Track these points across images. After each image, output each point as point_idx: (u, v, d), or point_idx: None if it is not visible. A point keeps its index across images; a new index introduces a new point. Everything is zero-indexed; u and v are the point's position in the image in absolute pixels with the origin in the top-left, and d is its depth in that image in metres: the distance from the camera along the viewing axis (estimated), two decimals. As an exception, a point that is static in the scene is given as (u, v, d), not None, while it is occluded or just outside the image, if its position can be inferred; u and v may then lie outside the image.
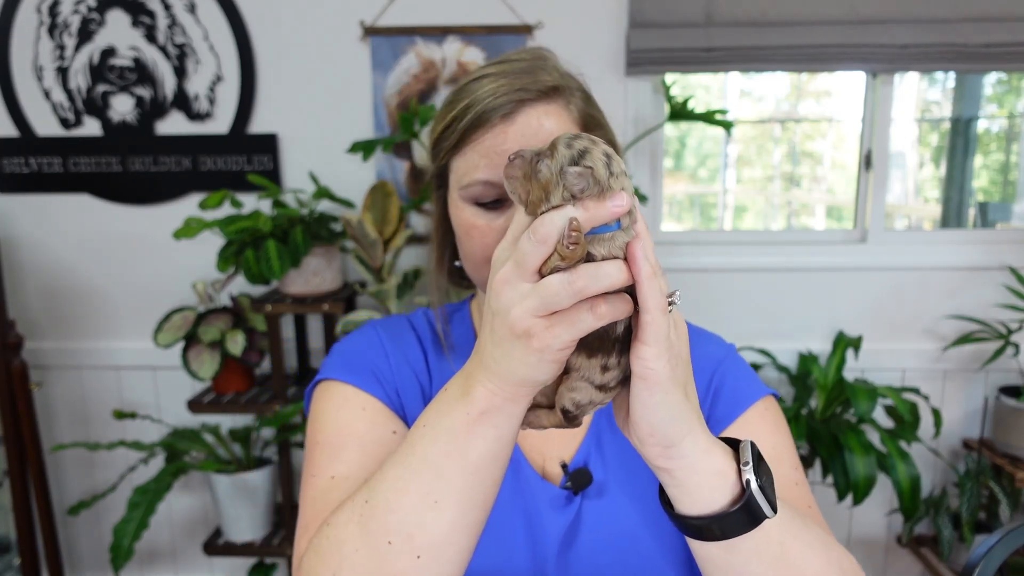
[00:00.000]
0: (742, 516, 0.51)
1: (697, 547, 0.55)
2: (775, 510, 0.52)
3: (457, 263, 0.83)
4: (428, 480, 0.53)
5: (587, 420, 0.78)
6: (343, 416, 0.73)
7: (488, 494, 0.55)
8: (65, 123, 2.05)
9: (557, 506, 0.73)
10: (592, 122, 0.75)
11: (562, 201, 0.44)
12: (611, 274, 0.44)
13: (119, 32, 1.99)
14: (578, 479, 0.74)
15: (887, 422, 2.09)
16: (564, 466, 0.75)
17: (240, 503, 1.95)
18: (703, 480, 0.52)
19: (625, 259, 0.45)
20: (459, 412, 0.52)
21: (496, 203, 0.73)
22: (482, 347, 0.51)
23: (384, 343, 0.82)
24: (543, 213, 0.45)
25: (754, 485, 0.51)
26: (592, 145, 0.45)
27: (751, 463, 0.52)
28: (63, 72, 2.02)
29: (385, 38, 1.98)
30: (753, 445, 0.54)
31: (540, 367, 0.47)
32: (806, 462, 1.96)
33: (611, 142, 0.77)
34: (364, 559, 0.53)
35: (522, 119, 0.71)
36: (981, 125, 2.73)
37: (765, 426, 0.76)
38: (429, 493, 0.52)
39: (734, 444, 0.55)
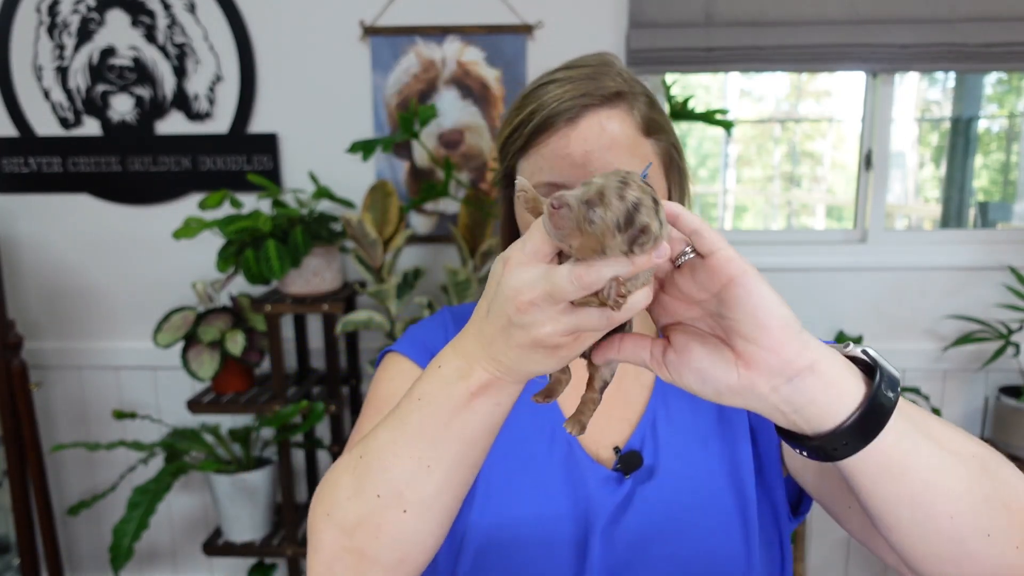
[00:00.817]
0: (877, 404, 0.48)
1: (853, 468, 0.51)
2: (897, 397, 0.50)
3: None
4: (422, 448, 0.55)
5: (642, 407, 0.81)
6: (395, 385, 0.79)
7: (479, 457, 0.57)
8: (65, 123, 2.05)
9: (608, 486, 0.76)
10: (655, 126, 0.77)
11: (616, 255, 0.45)
12: (641, 302, 0.48)
13: (119, 32, 1.98)
14: (628, 461, 0.77)
15: (887, 422, 2.09)
16: (617, 449, 0.78)
17: (240, 503, 1.95)
18: (841, 374, 0.49)
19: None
20: (459, 388, 0.54)
21: None
22: (488, 340, 0.51)
23: (448, 326, 0.89)
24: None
25: (876, 357, 0.51)
26: (642, 194, 0.44)
27: (864, 349, 0.52)
28: (63, 72, 2.01)
29: (385, 38, 1.97)
30: (859, 343, 0.54)
31: (558, 365, 0.51)
32: (806, 462, 1.96)
33: (674, 145, 0.80)
34: (355, 507, 0.57)
35: (584, 123, 0.74)
36: (981, 125, 2.73)
37: None
38: (422, 459, 0.55)
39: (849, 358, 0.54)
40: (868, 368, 0.52)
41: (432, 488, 0.56)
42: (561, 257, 0.49)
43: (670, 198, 0.81)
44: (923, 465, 0.51)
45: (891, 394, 0.49)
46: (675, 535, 0.74)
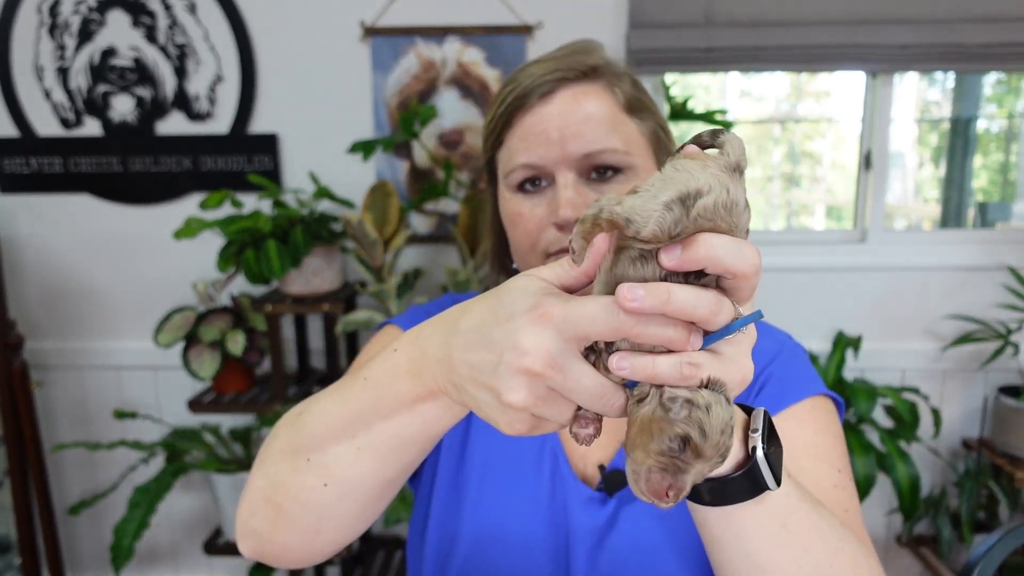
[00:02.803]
0: (744, 482, 0.48)
1: (696, 512, 0.52)
2: (779, 483, 0.48)
3: (515, 265, 0.82)
4: (357, 430, 0.53)
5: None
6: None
7: (415, 458, 0.55)
8: (65, 123, 2.05)
9: (591, 506, 0.73)
10: (639, 105, 0.74)
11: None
12: None
13: (119, 32, 1.99)
14: (613, 480, 0.73)
15: (887, 422, 2.09)
16: (602, 468, 0.75)
17: (240, 503, 1.96)
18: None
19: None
20: (406, 385, 0.50)
21: (536, 184, 0.72)
22: (455, 358, 0.45)
23: (447, 306, 0.87)
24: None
25: (760, 453, 0.47)
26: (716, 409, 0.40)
27: (760, 431, 0.48)
28: (63, 72, 2.02)
29: (385, 38, 1.98)
30: (766, 414, 0.50)
31: (504, 428, 0.44)
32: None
33: (661, 126, 0.76)
34: (284, 461, 0.56)
35: (559, 98, 0.70)
36: (981, 125, 2.73)
37: (811, 424, 0.72)
38: (354, 440, 0.53)
39: (748, 412, 0.52)
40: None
41: (358, 472, 0.54)
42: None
43: None
44: (756, 558, 0.51)
45: (767, 477, 0.48)
46: (660, 557, 0.71)
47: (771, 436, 0.49)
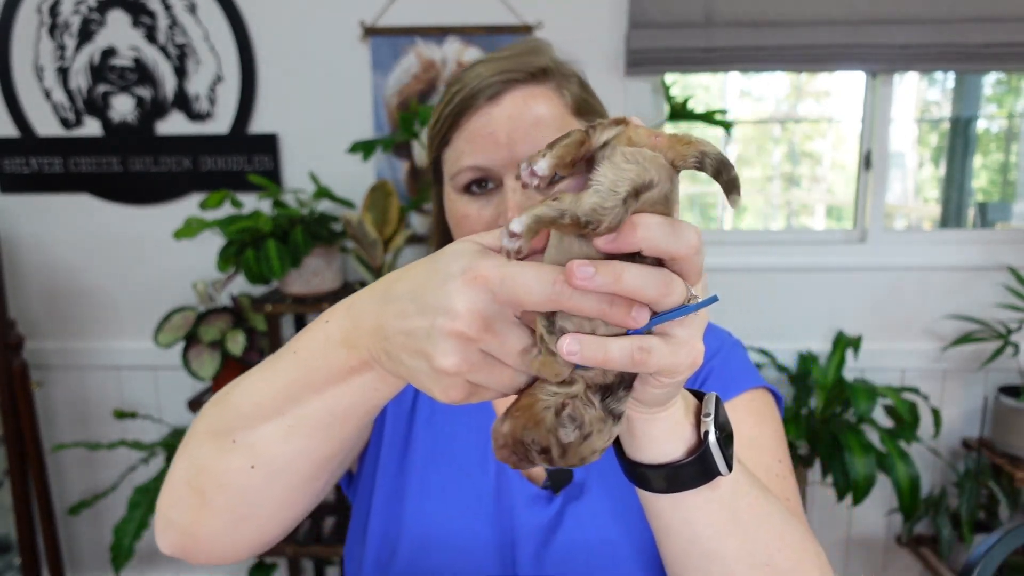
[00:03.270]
0: (695, 468, 0.47)
1: (647, 500, 0.52)
2: (731, 468, 0.48)
3: None
4: (287, 406, 0.50)
5: None
6: None
7: (350, 435, 0.52)
8: (66, 123, 2.05)
9: (536, 504, 0.72)
10: (587, 107, 0.73)
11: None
12: None
13: (119, 32, 1.99)
14: (558, 478, 0.73)
15: (887, 422, 2.09)
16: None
17: (240, 503, 1.95)
18: (660, 427, 0.47)
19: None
20: (339, 356, 0.48)
21: (483, 186, 0.71)
22: (389, 325, 0.43)
23: None
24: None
25: (712, 437, 0.47)
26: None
27: (712, 415, 0.48)
28: (64, 72, 2.02)
29: (385, 38, 1.98)
30: (718, 399, 0.50)
31: (440, 396, 0.43)
32: (806, 462, 1.96)
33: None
34: (208, 443, 0.53)
35: (508, 100, 0.69)
36: (980, 125, 2.73)
37: (751, 416, 0.73)
38: (284, 417, 0.51)
39: (699, 397, 0.51)
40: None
41: (288, 452, 0.51)
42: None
43: None
44: (705, 545, 0.51)
45: (719, 462, 0.48)
46: (614, 553, 0.70)
47: (720, 420, 0.49)
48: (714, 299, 0.41)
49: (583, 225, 0.37)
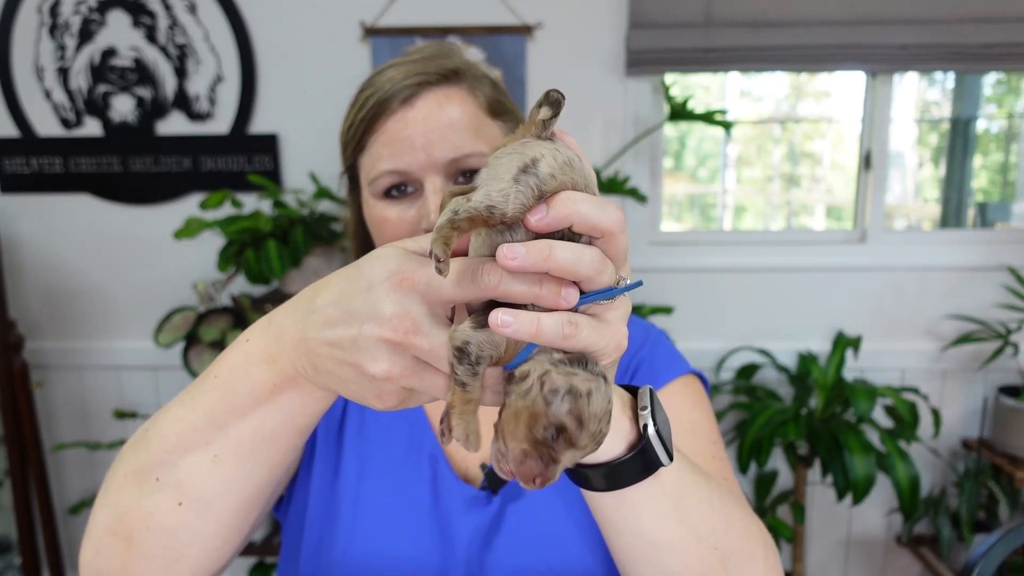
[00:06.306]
0: (637, 463, 0.47)
1: (591, 499, 0.51)
2: (671, 459, 0.48)
3: None
4: (211, 434, 0.48)
5: None
6: None
7: (282, 457, 0.50)
8: (66, 123, 2.05)
9: (474, 507, 0.71)
10: (500, 108, 0.74)
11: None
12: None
13: (120, 32, 1.99)
14: (495, 479, 0.71)
15: (886, 422, 2.09)
16: (483, 466, 0.72)
17: (240, 503, 1.96)
18: (619, 417, 0.47)
19: None
20: (261, 375, 0.46)
21: (403, 190, 0.71)
22: (312, 336, 0.42)
23: None
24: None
25: (651, 430, 0.46)
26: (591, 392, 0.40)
27: (649, 408, 0.48)
28: (64, 72, 2.02)
29: (385, 38, 1.98)
30: (652, 391, 0.49)
31: (373, 403, 0.42)
32: (806, 462, 1.96)
33: (519, 121, 0.74)
34: (130, 486, 0.50)
35: (422, 102, 0.69)
36: (980, 125, 2.73)
37: (684, 401, 0.74)
38: (209, 446, 0.48)
39: (633, 392, 0.51)
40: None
41: (217, 483, 0.49)
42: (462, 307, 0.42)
43: None
44: (653, 537, 0.50)
45: (661, 454, 0.47)
46: (549, 553, 0.69)
47: (657, 412, 0.49)
48: (639, 283, 0.42)
49: (486, 217, 0.37)
